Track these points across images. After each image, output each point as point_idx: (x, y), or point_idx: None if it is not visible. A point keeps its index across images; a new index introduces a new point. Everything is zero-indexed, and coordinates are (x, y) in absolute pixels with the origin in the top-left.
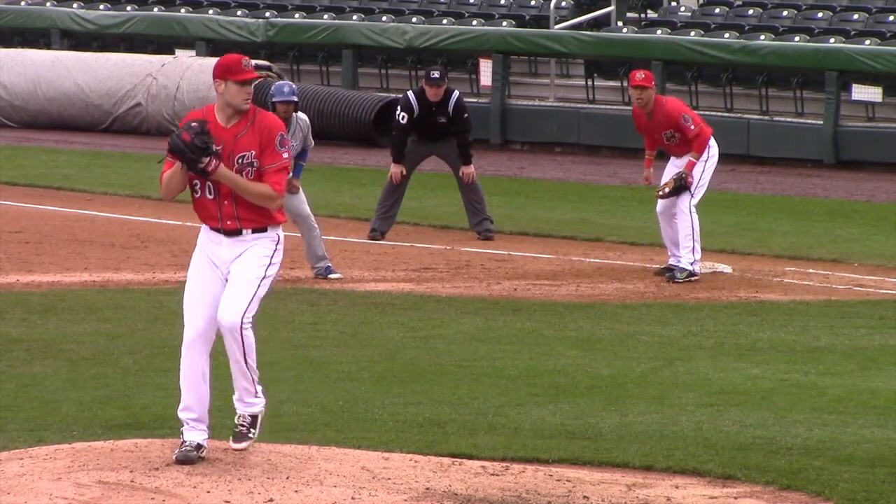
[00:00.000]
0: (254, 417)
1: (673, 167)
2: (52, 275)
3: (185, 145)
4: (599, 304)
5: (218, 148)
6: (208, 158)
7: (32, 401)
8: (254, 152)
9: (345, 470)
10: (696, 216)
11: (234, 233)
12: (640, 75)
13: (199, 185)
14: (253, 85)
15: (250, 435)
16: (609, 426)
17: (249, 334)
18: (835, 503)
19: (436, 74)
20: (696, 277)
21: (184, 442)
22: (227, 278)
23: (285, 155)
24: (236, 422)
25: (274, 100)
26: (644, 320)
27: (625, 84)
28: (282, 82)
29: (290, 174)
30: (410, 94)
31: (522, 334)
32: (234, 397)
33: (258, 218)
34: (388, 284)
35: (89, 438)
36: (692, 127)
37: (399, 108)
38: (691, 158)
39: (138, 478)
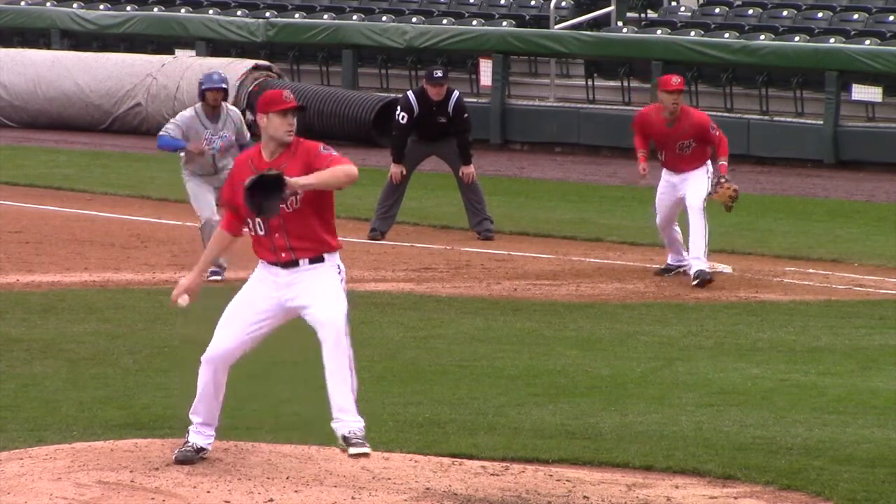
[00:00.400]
0: (362, 433)
1: (668, 184)
2: (52, 275)
3: (258, 189)
4: (599, 304)
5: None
6: (278, 173)
7: (32, 401)
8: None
9: (345, 470)
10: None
11: (290, 264)
12: (676, 80)
13: (250, 223)
14: (295, 115)
15: (367, 445)
16: (609, 426)
17: (349, 340)
18: (835, 503)
19: (438, 73)
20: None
21: (186, 442)
22: (284, 307)
23: (334, 152)
24: (347, 435)
25: (203, 87)
26: (644, 320)
27: (625, 84)
28: (211, 71)
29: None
30: (410, 93)
31: (522, 334)
32: (334, 422)
33: (313, 246)
34: (388, 284)
35: (89, 438)
36: (717, 134)
37: (399, 107)
38: (723, 162)
39: (138, 478)
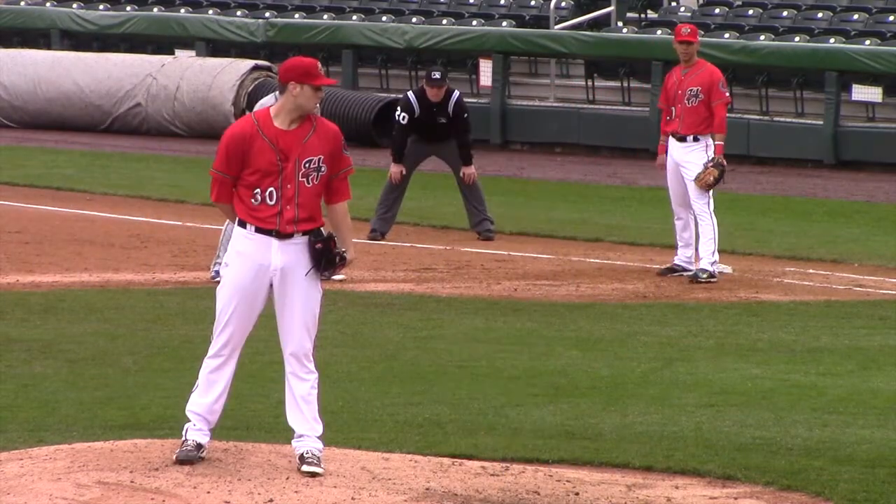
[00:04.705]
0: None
1: (671, 160)
2: (52, 275)
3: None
4: (599, 304)
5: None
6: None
7: (32, 401)
8: (322, 157)
9: (345, 470)
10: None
11: (287, 236)
12: (685, 30)
13: (259, 193)
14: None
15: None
16: (609, 426)
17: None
18: (835, 503)
19: (437, 75)
20: (714, 279)
21: (185, 441)
22: (272, 284)
23: (350, 158)
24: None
25: None
26: (644, 320)
27: (625, 84)
28: None
29: None
30: (411, 94)
31: (522, 334)
32: (296, 439)
33: (312, 222)
34: (388, 284)
35: (89, 439)
36: (724, 94)
37: (399, 108)
38: (718, 142)
39: (138, 478)
